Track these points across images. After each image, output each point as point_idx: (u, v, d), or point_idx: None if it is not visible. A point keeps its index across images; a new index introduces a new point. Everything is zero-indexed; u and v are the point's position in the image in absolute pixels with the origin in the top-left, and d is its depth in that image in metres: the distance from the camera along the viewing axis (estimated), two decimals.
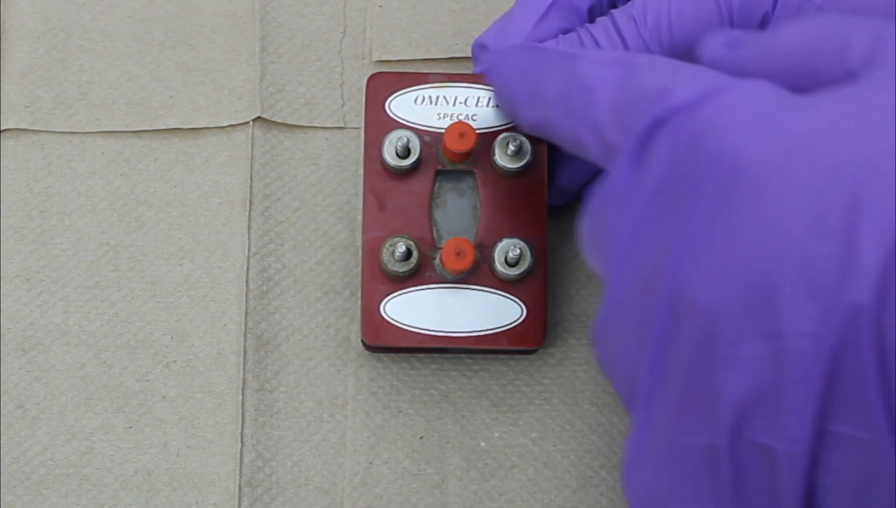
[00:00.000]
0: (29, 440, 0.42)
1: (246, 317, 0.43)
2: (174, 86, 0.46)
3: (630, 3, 0.38)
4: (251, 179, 0.45)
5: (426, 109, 0.42)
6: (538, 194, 0.42)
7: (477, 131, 0.41)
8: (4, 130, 0.45)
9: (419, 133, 0.41)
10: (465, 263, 0.40)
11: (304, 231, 0.45)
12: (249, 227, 0.44)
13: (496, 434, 0.43)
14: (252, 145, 0.45)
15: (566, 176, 0.43)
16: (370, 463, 0.42)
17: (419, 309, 0.41)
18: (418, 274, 0.41)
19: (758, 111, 0.30)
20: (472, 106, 0.42)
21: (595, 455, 0.43)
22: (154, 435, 0.42)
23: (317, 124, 0.46)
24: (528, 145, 0.41)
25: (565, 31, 0.42)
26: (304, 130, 0.46)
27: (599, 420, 0.43)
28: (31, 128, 0.45)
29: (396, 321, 0.41)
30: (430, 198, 0.41)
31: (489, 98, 0.42)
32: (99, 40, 0.46)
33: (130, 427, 0.42)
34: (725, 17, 0.35)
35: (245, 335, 0.43)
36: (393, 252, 0.40)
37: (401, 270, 0.40)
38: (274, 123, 0.46)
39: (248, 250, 0.44)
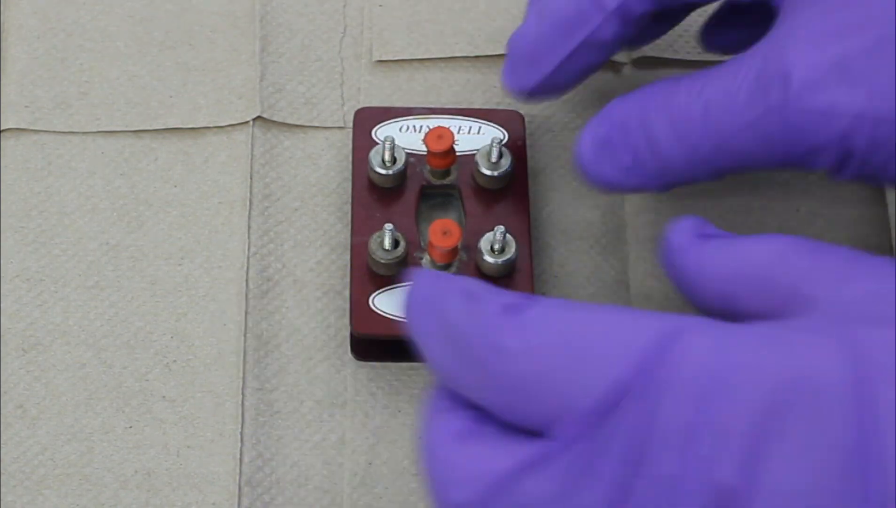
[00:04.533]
0: (29, 440, 0.42)
1: (246, 317, 0.43)
2: (174, 86, 0.46)
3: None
4: (251, 178, 0.45)
5: (410, 135, 0.43)
6: (521, 205, 0.43)
7: (458, 154, 0.43)
8: (4, 130, 0.45)
9: (405, 152, 0.43)
10: (452, 241, 0.40)
11: (303, 231, 0.44)
12: (249, 227, 0.44)
13: None
14: (252, 145, 0.45)
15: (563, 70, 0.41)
16: (370, 463, 0.42)
17: None
18: (406, 272, 0.41)
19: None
20: (454, 134, 0.43)
21: None
22: (154, 435, 0.42)
23: (317, 124, 0.46)
24: (509, 155, 0.43)
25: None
26: (304, 129, 0.46)
27: None
28: (31, 128, 0.45)
29: (385, 313, 0.41)
30: (416, 209, 0.43)
31: (469, 127, 0.44)
32: (99, 40, 0.46)
33: (130, 427, 0.42)
34: None
35: (245, 335, 0.43)
36: (381, 242, 0.41)
37: (389, 258, 0.41)
38: (274, 122, 0.46)
39: (248, 249, 0.44)
